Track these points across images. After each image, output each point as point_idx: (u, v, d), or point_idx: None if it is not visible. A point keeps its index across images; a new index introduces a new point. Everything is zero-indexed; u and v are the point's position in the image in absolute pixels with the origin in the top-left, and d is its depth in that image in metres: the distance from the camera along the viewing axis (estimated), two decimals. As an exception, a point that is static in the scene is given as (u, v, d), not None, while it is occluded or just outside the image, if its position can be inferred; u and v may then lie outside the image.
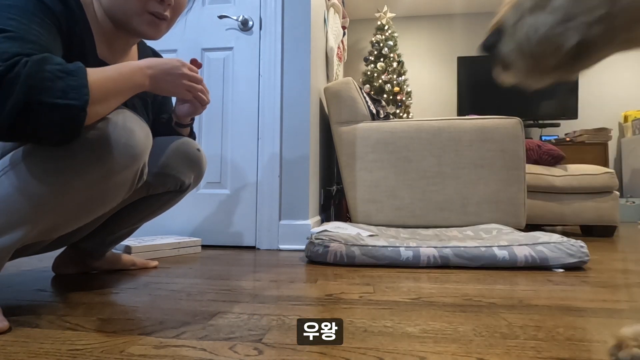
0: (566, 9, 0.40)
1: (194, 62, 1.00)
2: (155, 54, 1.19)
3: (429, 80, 4.80)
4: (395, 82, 3.95)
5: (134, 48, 1.06)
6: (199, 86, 0.96)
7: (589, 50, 0.42)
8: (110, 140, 0.78)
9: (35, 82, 0.65)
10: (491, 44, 0.46)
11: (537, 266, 1.32)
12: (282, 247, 1.81)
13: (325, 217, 2.42)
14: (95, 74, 0.74)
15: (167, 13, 0.94)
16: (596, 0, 0.39)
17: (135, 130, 0.82)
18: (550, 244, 1.35)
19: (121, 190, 0.85)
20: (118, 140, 0.79)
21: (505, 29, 0.44)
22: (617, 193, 2.47)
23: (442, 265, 1.35)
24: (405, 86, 4.00)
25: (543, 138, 4.12)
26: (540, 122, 4.15)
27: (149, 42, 1.17)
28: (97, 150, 0.77)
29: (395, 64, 4.02)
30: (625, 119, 4.29)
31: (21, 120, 0.66)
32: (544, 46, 0.42)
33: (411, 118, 3.84)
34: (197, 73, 0.95)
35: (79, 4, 0.87)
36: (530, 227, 1.85)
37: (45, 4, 0.77)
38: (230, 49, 1.93)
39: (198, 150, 1.22)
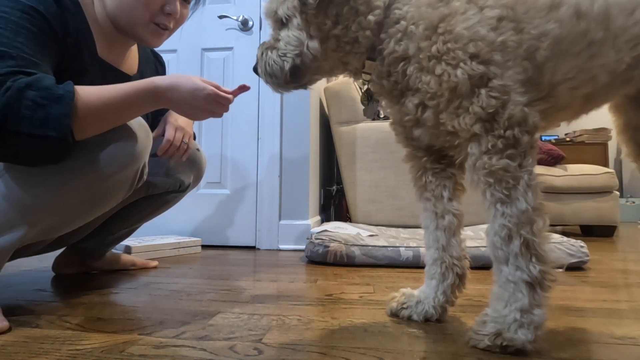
0: (282, 50, 0.71)
1: (242, 87, 0.92)
2: (154, 53, 1.19)
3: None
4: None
5: (134, 48, 1.06)
6: (226, 107, 0.87)
7: (301, 72, 0.72)
8: (110, 140, 0.78)
9: (13, 110, 0.64)
10: (255, 67, 0.76)
11: (537, 266, 1.32)
12: (282, 247, 1.81)
13: (325, 217, 2.42)
14: (93, 96, 0.71)
15: (171, 24, 0.95)
16: (295, 44, 0.70)
17: (135, 130, 0.82)
18: (550, 244, 1.35)
19: (121, 190, 0.85)
20: (118, 140, 0.79)
21: (258, 59, 0.74)
22: (617, 193, 2.47)
23: (442, 265, 1.35)
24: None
25: (543, 138, 4.12)
26: (540, 122, 4.14)
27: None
28: (96, 150, 0.77)
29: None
30: (625, 119, 4.29)
31: (0, 147, 0.66)
32: (274, 68, 0.72)
33: (411, 118, 3.82)
34: (228, 94, 0.86)
35: (76, 3, 0.86)
36: (530, 227, 1.85)
37: (34, 8, 0.75)
38: (230, 49, 1.93)
39: (198, 150, 1.22)
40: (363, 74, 0.74)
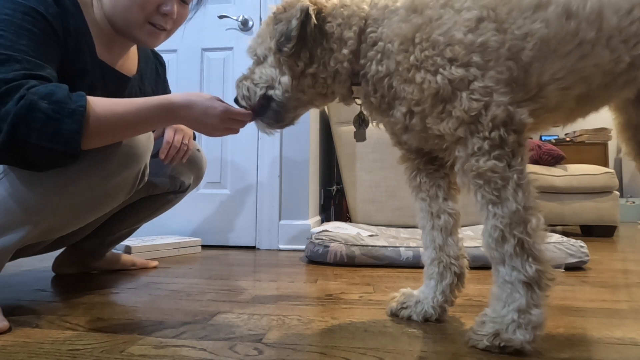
0: (255, 80, 0.77)
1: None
2: (154, 53, 1.19)
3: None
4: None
5: (133, 48, 1.06)
6: (242, 124, 0.83)
7: (274, 101, 0.77)
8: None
9: (24, 121, 0.64)
10: (236, 99, 0.81)
11: (537, 266, 1.32)
12: (282, 247, 1.81)
13: (325, 217, 2.42)
14: (105, 110, 0.71)
15: (168, 25, 0.93)
16: (266, 78, 0.76)
17: None
18: (550, 244, 1.35)
19: (122, 191, 0.85)
20: (119, 142, 0.79)
21: (237, 87, 0.80)
22: (617, 193, 2.47)
23: (442, 265, 1.35)
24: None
25: (543, 138, 4.12)
26: (540, 122, 4.14)
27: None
28: (98, 152, 0.77)
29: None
30: (625, 119, 4.28)
31: (8, 153, 0.66)
32: (250, 92, 0.78)
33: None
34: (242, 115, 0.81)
35: (76, 4, 0.86)
36: (530, 227, 1.85)
37: (35, 9, 0.74)
38: (230, 49, 1.93)
39: (198, 150, 1.22)
40: (354, 99, 0.76)
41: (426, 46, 0.62)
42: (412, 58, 0.63)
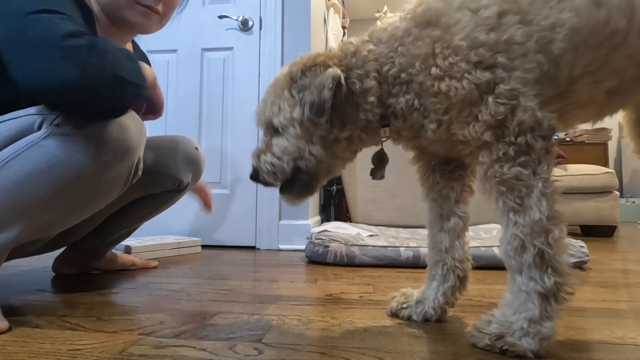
0: (277, 153, 0.69)
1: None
2: (144, 56, 1.18)
3: (429, 80, 4.78)
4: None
5: (129, 46, 1.06)
6: None
7: (304, 172, 0.70)
8: (103, 136, 0.77)
9: (113, 59, 0.71)
10: (253, 175, 0.73)
11: (537, 266, 1.32)
12: (282, 247, 1.81)
13: (325, 217, 2.42)
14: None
15: (159, 7, 0.93)
16: (292, 149, 0.68)
17: (128, 125, 0.81)
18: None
19: (116, 186, 0.84)
20: (111, 136, 0.78)
21: (255, 166, 0.72)
22: (617, 193, 2.47)
23: (442, 265, 1.34)
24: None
25: (543, 138, 4.11)
26: (540, 122, 4.13)
27: (147, 39, 1.16)
28: (90, 146, 0.76)
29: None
30: (625, 119, 4.28)
31: (111, 91, 0.71)
32: (276, 167, 0.69)
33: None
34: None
35: (83, 3, 0.86)
36: (530, 227, 1.85)
37: None
38: (230, 49, 1.93)
39: (196, 149, 1.22)
40: (382, 140, 0.73)
41: (448, 53, 0.59)
42: (433, 70, 0.60)
